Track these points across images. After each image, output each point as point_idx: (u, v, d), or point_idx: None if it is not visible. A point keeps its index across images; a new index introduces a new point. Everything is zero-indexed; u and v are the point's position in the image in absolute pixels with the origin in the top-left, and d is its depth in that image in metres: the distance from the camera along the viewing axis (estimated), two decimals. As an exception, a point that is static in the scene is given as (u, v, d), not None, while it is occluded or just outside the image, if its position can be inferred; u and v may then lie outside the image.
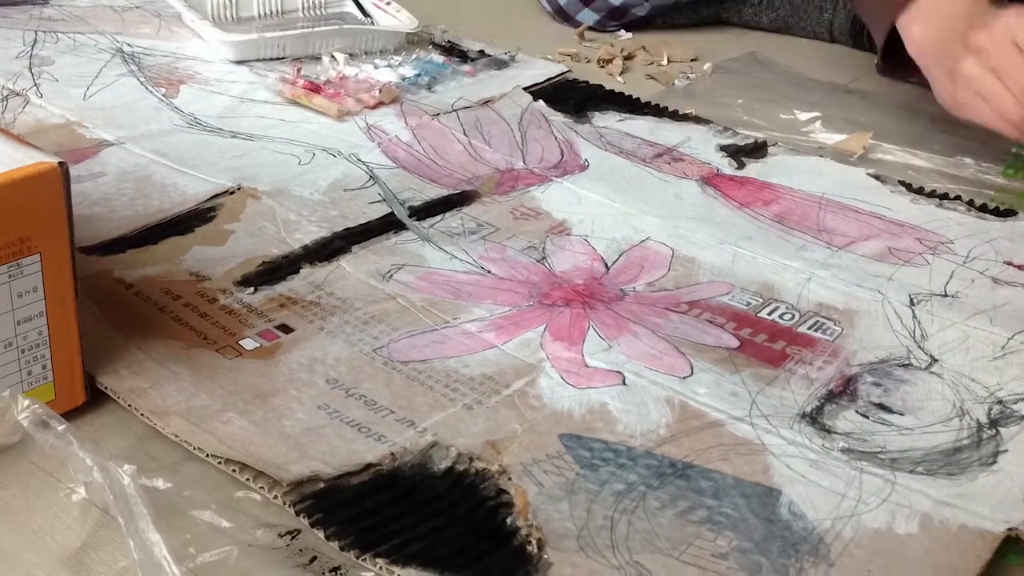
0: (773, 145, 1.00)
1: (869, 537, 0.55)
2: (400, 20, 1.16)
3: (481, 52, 1.16)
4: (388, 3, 1.17)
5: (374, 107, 1.01)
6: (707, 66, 1.17)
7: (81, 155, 0.89)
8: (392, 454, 0.59)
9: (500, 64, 1.14)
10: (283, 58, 1.09)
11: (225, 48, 1.09)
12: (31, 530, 0.53)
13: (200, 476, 0.57)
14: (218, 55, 1.09)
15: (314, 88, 1.02)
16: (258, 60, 1.09)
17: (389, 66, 1.09)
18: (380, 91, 1.02)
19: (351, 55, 1.10)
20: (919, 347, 0.71)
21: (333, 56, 1.09)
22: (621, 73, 1.16)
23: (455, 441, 0.60)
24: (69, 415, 0.59)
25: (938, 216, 0.88)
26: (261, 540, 0.53)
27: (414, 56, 1.12)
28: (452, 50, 1.17)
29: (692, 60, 1.20)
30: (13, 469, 0.56)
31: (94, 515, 0.53)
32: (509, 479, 0.58)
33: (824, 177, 0.94)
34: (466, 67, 1.12)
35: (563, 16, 1.29)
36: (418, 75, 1.08)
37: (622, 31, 1.27)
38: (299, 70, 1.05)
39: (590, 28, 1.28)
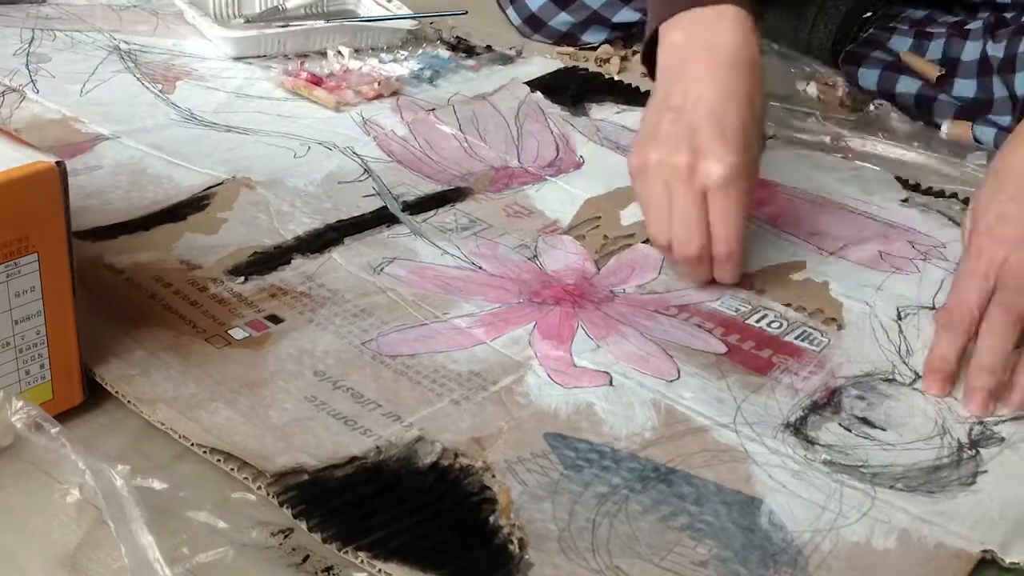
0: (770, 137, 0.99)
1: (847, 551, 0.55)
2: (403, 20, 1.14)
3: (488, 48, 1.16)
4: (389, 0, 1.17)
5: (372, 99, 1.01)
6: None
7: (77, 149, 0.88)
8: (377, 448, 0.59)
9: (505, 59, 1.13)
10: (284, 55, 1.08)
11: (226, 44, 1.08)
12: (28, 530, 0.53)
13: (195, 476, 0.57)
14: (219, 51, 1.09)
15: (316, 81, 1.02)
16: (258, 56, 1.08)
17: (395, 60, 1.09)
18: (379, 83, 1.02)
19: (356, 50, 1.09)
20: (904, 362, 0.71)
21: (340, 51, 1.08)
22: (618, 72, 1.16)
23: (440, 436, 0.60)
24: (65, 414, 0.59)
25: (932, 216, 0.88)
26: (256, 540, 0.53)
27: (420, 51, 1.12)
28: (459, 46, 1.16)
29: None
30: (9, 469, 0.56)
31: (91, 515, 0.53)
32: (493, 476, 0.58)
33: (821, 173, 0.94)
34: (470, 62, 1.12)
35: (533, 25, 1.22)
36: (421, 68, 1.08)
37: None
38: (303, 63, 1.05)
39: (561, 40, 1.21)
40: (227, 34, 1.08)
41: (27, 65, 1.03)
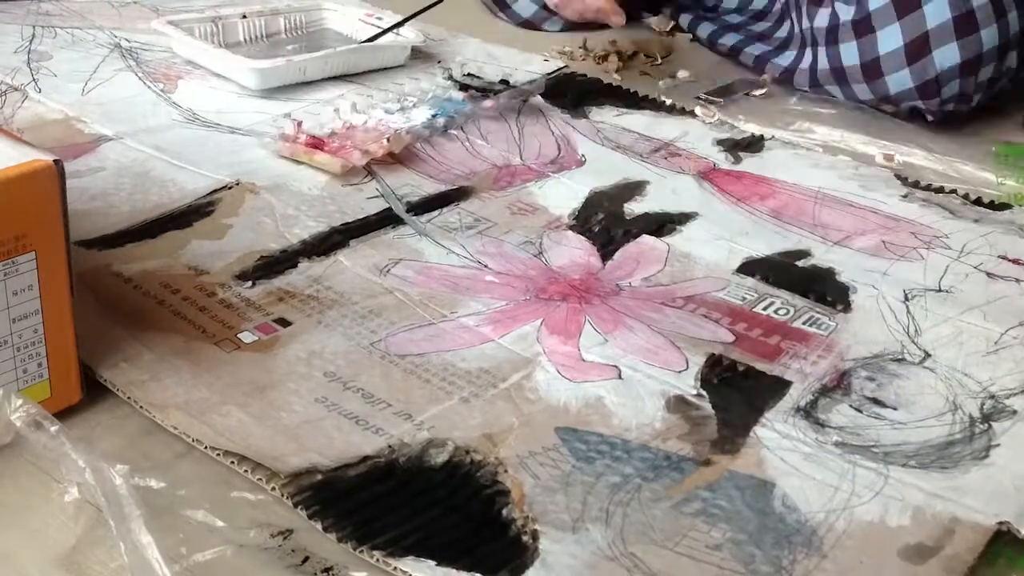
0: (770, 139, 1.00)
1: (861, 529, 0.56)
2: (406, 35, 1.12)
3: (504, 83, 1.08)
4: (380, 18, 1.14)
5: (381, 158, 0.90)
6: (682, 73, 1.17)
7: (80, 150, 0.89)
8: (389, 446, 0.59)
9: (525, 95, 1.04)
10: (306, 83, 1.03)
11: (250, 76, 1.01)
12: (26, 529, 0.53)
13: (194, 475, 0.57)
14: (243, 82, 1.02)
15: (316, 144, 0.90)
16: (280, 87, 1.03)
17: (403, 108, 0.99)
18: (388, 140, 0.91)
19: (354, 106, 0.99)
20: (913, 342, 0.71)
21: (336, 109, 0.99)
22: (617, 70, 1.16)
23: (452, 434, 0.60)
24: (63, 413, 0.59)
25: (933, 210, 0.88)
26: (255, 540, 0.53)
27: (430, 95, 1.02)
28: (473, 83, 1.07)
29: (662, 59, 1.20)
30: (7, 468, 0.56)
31: (89, 514, 0.53)
32: (505, 471, 0.58)
33: (820, 171, 0.94)
34: (488, 103, 1.01)
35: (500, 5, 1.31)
36: (435, 115, 0.97)
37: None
38: (299, 124, 0.93)
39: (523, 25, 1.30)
40: (253, 64, 1.01)
41: (28, 63, 1.03)
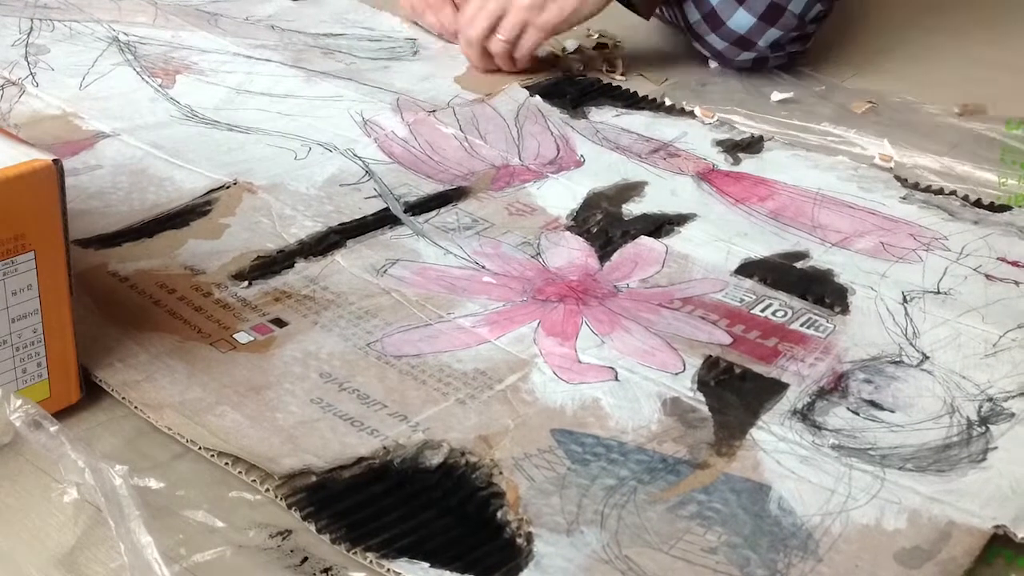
0: (769, 139, 1.00)
1: (858, 532, 0.55)
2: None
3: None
4: None
5: None
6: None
7: (77, 147, 0.89)
8: (384, 448, 0.59)
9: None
10: None
11: None
12: (25, 529, 0.53)
13: (193, 475, 0.57)
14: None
15: None
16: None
17: None
18: None
19: None
20: (911, 344, 0.71)
21: None
22: (622, 73, 1.16)
23: (447, 435, 0.60)
24: (63, 413, 0.59)
25: (932, 211, 0.88)
26: (254, 540, 0.53)
27: None
28: None
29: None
30: (6, 468, 0.56)
31: (88, 514, 0.53)
32: (501, 473, 0.58)
33: (819, 172, 0.94)
34: None
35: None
36: None
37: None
38: None
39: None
40: None
41: (26, 57, 1.03)
